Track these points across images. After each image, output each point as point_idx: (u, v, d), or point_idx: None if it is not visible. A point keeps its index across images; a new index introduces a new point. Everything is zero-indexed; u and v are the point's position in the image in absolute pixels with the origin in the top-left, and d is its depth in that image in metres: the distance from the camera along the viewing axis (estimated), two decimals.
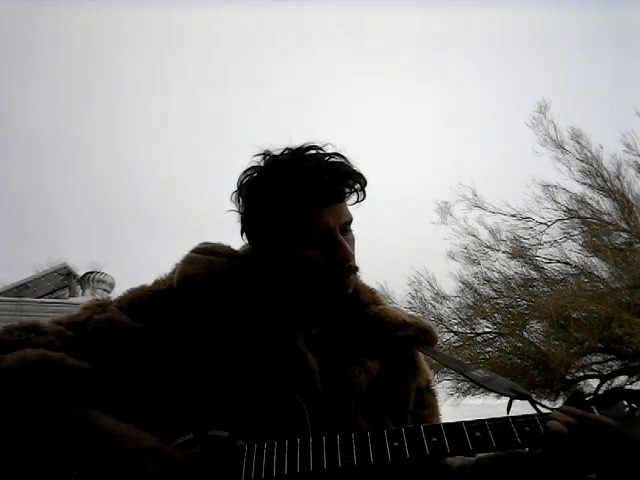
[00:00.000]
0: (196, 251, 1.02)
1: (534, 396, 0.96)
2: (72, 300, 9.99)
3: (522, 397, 0.90)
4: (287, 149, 0.98)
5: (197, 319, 0.92)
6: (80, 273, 11.47)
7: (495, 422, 0.81)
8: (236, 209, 1.00)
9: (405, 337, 1.01)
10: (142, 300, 0.96)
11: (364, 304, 1.04)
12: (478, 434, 0.79)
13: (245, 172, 0.99)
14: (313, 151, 0.96)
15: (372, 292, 1.08)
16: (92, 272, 11.01)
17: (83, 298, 10.18)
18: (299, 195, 0.90)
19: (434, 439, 0.79)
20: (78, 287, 11.20)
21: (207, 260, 0.98)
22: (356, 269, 0.98)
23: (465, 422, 0.81)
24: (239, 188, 0.99)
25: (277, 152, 0.98)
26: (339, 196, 0.94)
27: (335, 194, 0.93)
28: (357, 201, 0.97)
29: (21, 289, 10.49)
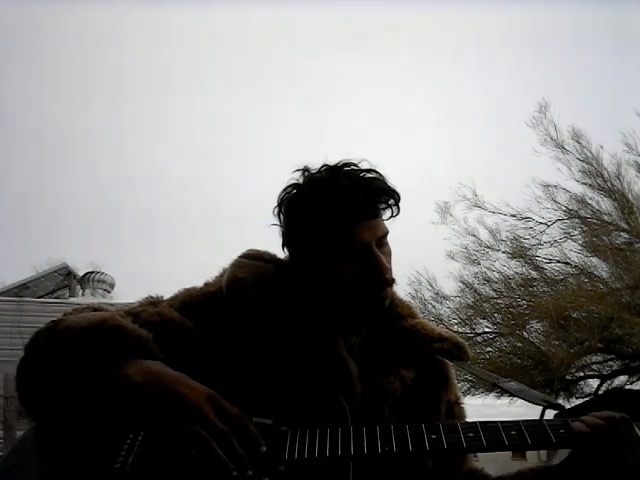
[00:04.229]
0: (244, 256, 1.07)
1: None
2: (72, 300, 9.96)
3: (555, 407, 0.94)
4: (324, 166, 1.03)
5: (244, 321, 0.97)
6: (80, 273, 11.46)
7: (530, 423, 0.85)
8: (276, 223, 1.05)
9: (440, 350, 1.06)
10: (193, 300, 1.01)
11: (401, 316, 1.09)
12: (514, 432, 0.83)
13: (285, 189, 1.03)
14: (348, 168, 1.01)
15: (409, 306, 1.12)
16: (92, 272, 10.99)
17: (83, 298, 10.18)
18: (335, 213, 0.95)
19: (471, 434, 0.83)
20: (78, 287, 11.18)
21: (255, 265, 1.03)
22: (393, 281, 1.02)
23: (500, 422, 0.85)
24: (279, 204, 1.04)
25: (315, 169, 1.03)
26: (373, 213, 0.98)
27: (369, 211, 0.97)
28: (392, 216, 1.01)
29: (21, 289, 10.47)
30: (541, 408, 0.98)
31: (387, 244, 1.01)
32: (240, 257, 1.06)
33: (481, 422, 0.85)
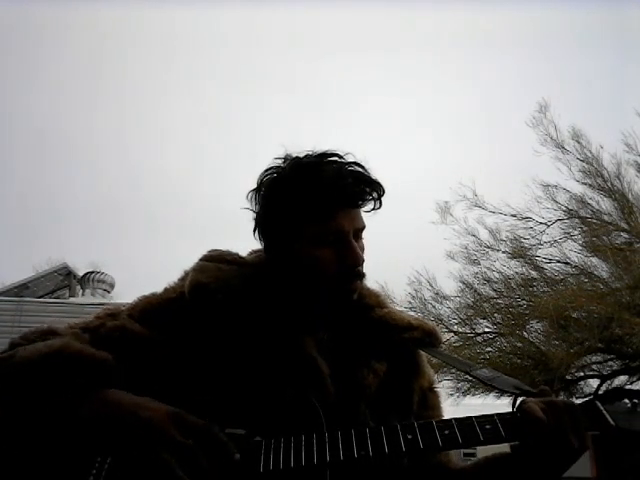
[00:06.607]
0: (206, 259, 1.04)
1: None
2: (72, 300, 9.96)
3: (527, 394, 0.93)
4: (309, 152, 1.00)
5: (209, 326, 0.94)
6: (80, 273, 11.45)
7: (504, 416, 0.84)
8: (251, 207, 1.01)
9: (410, 339, 1.04)
10: (153, 308, 0.98)
11: (369, 307, 1.07)
12: (488, 427, 0.83)
13: (266, 171, 1.01)
14: (334, 157, 0.99)
15: (376, 296, 1.10)
16: (92, 272, 10.97)
17: (83, 298, 10.17)
18: (318, 196, 0.93)
19: (446, 432, 0.82)
20: (78, 287, 11.17)
21: (217, 268, 1.01)
22: (363, 275, 1.00)
23: (475, 417, 0.84)
24: (258, 186, 1.01)
25: (299, 155, 1.01)
26: (357, 201, 0.96)
27: (353, 198, 0.96)
28: (373, 209, 1.00)
29: (21, 289, 10.46)
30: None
31: (362, 239, 1.00)
32: (201, 260, 1.04)
33: (456, 418, 0.84)
